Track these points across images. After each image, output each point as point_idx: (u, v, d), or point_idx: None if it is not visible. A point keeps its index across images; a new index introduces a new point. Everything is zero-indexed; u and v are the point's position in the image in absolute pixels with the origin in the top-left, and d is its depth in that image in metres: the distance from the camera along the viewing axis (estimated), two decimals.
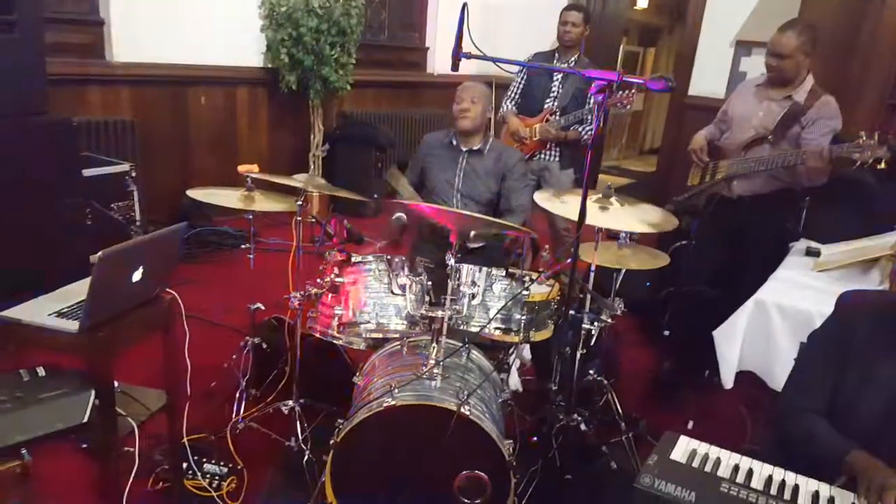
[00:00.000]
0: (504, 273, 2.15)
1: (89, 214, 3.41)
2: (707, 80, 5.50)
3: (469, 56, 1.94)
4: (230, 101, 5.09)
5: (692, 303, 3.05)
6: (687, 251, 3.13)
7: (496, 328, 2.15)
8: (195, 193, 2.47)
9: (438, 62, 6.73)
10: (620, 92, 3.46)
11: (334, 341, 2.27)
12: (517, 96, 3.98)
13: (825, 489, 1.39)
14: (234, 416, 2.50)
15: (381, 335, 2.22)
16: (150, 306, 1.98)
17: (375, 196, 5.21)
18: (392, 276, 2.15)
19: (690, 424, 2.72)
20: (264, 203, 2.49)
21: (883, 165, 2.54)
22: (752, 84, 3.10)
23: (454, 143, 2.93)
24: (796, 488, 1.38)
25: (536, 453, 2.20)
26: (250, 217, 2.57)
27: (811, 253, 2.80)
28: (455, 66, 1.96)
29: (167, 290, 2.05)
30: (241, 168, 2.67)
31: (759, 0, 5.18)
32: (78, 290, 2.02)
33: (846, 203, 3.00)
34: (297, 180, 2.43)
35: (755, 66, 5.25)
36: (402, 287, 2.14)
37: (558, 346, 2.31)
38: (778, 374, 2.26)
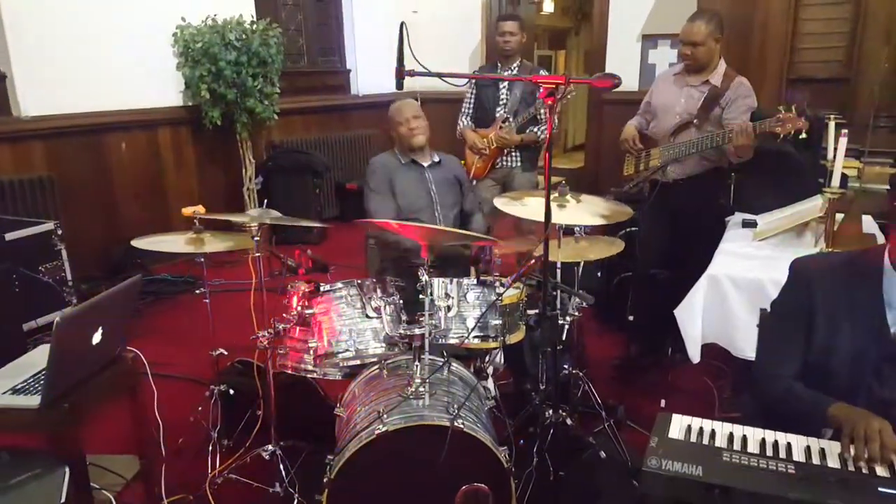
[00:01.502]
0: (475, 281, 2.16)
1: (16, 280, 3.21)
2: (621, 74, 5.72)
3: (413, 73, 1.95)
4: (153, 144, 4.91)
5: (646, 286, 3.16)
6: (634, 238, 3.25)
7: (475, 337, 2.16)
8: (140, 243, 2.36)
9: (362, 83, 6.72)
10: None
11: (308, 375, 2.22)
12: (471, 111, 4.07)
13: (815, 443, 1.47)
14: (210, 470, 2.39)
15: (359, 362, 2.19)
16: (113, 368, 1.89)
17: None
18: (365, 299, 2.13)
19: (663, 403, 2.81)
20: (215, 244, 2.42)
21: (804, 136, 2.73)
22: (670, 74, 3.27)
23: (413, 161, 2.95)
24: (789, 446, 1.45)
25: (528, 455, 2.22)
26: (202, 259, 2.48)
27: (748, 224, 2.96)
28: (399, 85, 1.97)
29: (128, 348, 1.96)
30: (186, 211, 2.58)
31: None
32: (31, 362, 1.90)
33: (772, 174, 3.19)
34: (251, 215, 2.37)
35: (662, 57, 5.53)
36: (377, 309, 2.12)
37: (537, 345, 2.34)
38: (739, 342, 2.38)
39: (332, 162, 6.02)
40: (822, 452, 1.44)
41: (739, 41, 4.69)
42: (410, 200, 2.92)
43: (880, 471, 1.36)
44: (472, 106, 4.07)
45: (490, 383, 2.72)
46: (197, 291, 2.51)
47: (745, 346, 2.33)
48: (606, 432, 2.51)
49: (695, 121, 3.03)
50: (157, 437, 2.04)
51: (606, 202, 2.40)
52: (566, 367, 2.59)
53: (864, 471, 1.37)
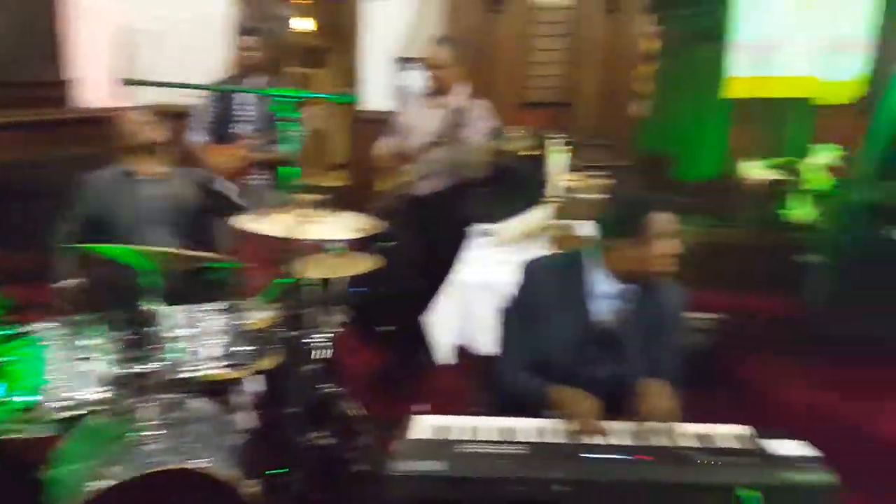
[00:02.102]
0: (217, 306, 2.03)
1: None
2: (376, 95, 5.92)
3: (143, 83, 1.79)
4: None
5: (402, 297, 3.26)
6: (391, 251, 3.34)
7: (221, 366, 2.02)
8: None
9: (89, 94, 5.97)
10: (308, 109, 3.54)
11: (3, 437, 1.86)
12: (207, 125, 3.79)
13: (542, 424, 1.63)
14: None
15: (77, 412, 1.89)
16: None
17: None
18: (77, 337, 1.85)
19: (422, 407, 2.91)
20: None
21: (533, 153, 3.07)
22: (418, 96, 3.47)
23: (130, 174, 2.67)
24: (521, 431, 1.59)
25: (289, 484, 2.13)
26: None
27: (489, 233, 3.23)
28: (122, 95, 1.80)
29: None
30: None
31: (409, 20, 5.72)
32: None
33: (509, 186, 3.52)
34: None
35: (416, 79, 5.83)
36: (95, 348, 1.86)
37: (293, 366, 2.27)
38: (482, 341, 2.55)
39: (55, 183, 5.24)
40: (550, 432, 1.60)
41: (482, 67, 5.11)
42: (119, 219, 2.65)
43: (596, 440, 1.56)
44: (209, 120, 3.79)
45: (244, 414, 2.58)
46: None
47: (489, 344, 2.51)
48: (369, 445, 2.52)
49: (441, 140, 3.23)
50: None
51: (361, 217, 2.43)
52: (325, 385, 2.56)
53: (583, 442, 1.55)
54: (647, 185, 3.38)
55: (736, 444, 1.58)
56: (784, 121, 3.09)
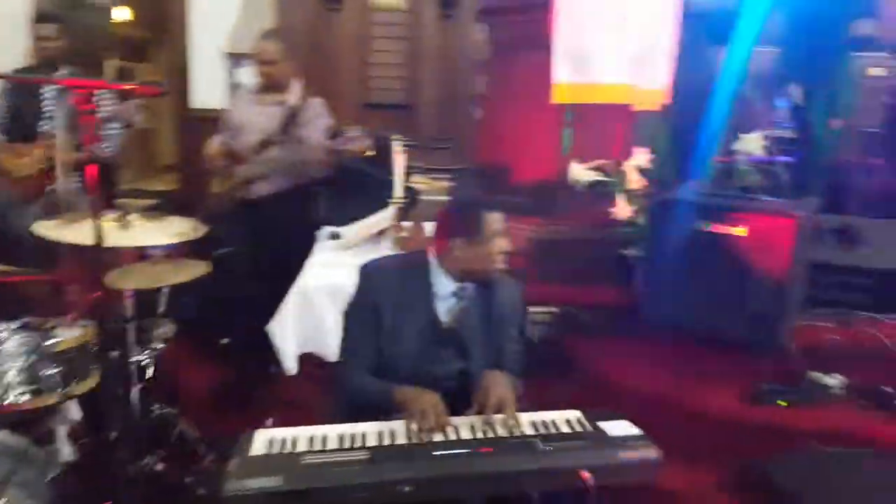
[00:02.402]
0: (15, 325, 1.77)
1: None
2: (207, 92, 5.55)
3: None
4: None
5: (241, 306, 3.09)
6: (230, 258, 3.15)
7: (21, 394, 1.77)
8: None
9: None
10: (123, 104, 3.20)
11: None
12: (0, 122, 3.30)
13: (386, 426, 1.60)
14: None
15: None
16: None
17: None
18: None
19: (270, 421, 2.77)
20: None
21: (372, 153, 3.04)
22: (248, 92, 3.30)
23: None
24: (365, 435, 1.56)
25: None
26: None
27: (334, 236, 3.15)
28: None
29: None
30: None
31: (238, 13, 5.45)
32: None
33: (351, 188, 3.46)
34: None
35: (249, 75, 5.55)
36: None
37: (110, 390, 2.04)
38: (331, 347, 2.48)
39: None
40: (392, 433, 1.58)
41: (318, 65, 4.98)
42: None
43: (437, 437, 1.56)
44: (2, 117, 3.34)
45: (64, 445, 2.30)
46: None
47: (337, 351, 2.45)
48: (210, 467, 2.34)
49: (274, 139, 3.09)
50: None
51: (181, 220, 2.25)
52: (155, 406, 2.34)
53: (426, 440, 1.54)
54: (486, 187, 3.49)
55: (569, 429, 1.66)
56: (607, 125, 3.34)
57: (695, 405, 2.58)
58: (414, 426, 1.57)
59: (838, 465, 2.25)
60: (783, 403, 2.52)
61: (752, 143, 3.18)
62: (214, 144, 3.22)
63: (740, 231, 2.67)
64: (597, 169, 3.16)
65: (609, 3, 3.18)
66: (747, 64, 3.96)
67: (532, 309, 2.91)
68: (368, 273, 1.89)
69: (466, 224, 1.78)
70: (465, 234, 1.77)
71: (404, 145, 3.57)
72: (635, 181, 3.15)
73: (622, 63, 3.21)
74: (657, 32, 3.31)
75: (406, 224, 3.10)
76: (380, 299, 1.82)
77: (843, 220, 3.19)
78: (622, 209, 3.11)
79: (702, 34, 3.76)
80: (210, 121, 4.82)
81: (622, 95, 3.25)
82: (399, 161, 3.39)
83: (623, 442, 1.59)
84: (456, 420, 1.64)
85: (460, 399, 1.73)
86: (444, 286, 1.83)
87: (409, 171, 3.56)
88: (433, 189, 4.43)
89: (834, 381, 2.63)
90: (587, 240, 3.19)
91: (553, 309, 2.93)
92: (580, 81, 3.09)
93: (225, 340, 3.06)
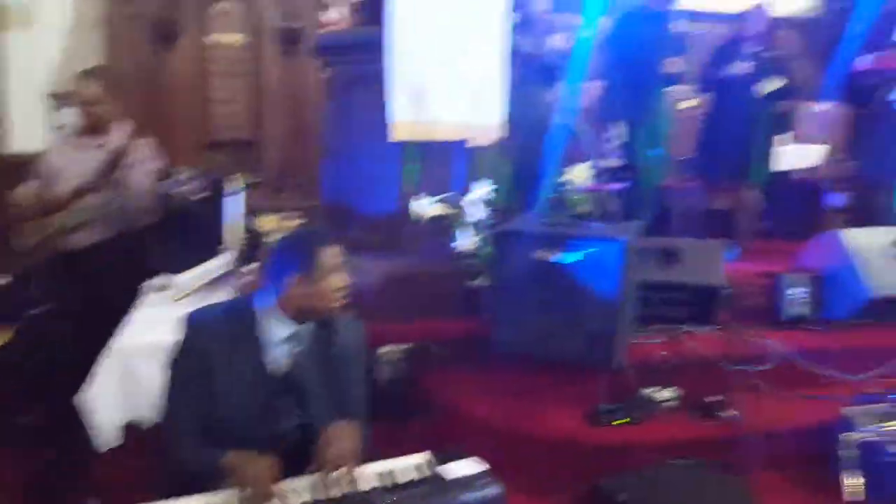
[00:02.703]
0: None
1: None
2: (24, 136, 5.03)
3: None
4: None
5: (56, 374, 2.74)
6: (43, 318, 2.82)
7: None
8: None
9: None
10: None
11: None
12: None
13: (211, 499, 1.47)
14: None
15: None
16: None
17: None
18: None
19: None
20: None
21: (206, 195, 2.87)
22: (67, 135, 3.04)
23: None
24: None
25: None
26: None
27: (167, 287, 2.92)
28: None
29: None
30: None
31: (62, 51, 5.02)
32: None
33: (187, 232, 3.24)
34: None
35: (73, 116, 5.10)
36: None
37: None
38: (155, 412, 2.26)
39: None
40: None
41: (154, 105, 4.70)
42: None
43: None
44: None
45: None
46: None
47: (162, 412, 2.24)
48: None
49: (92, 184, 2.83)
50: None
51: None
52: None
53: None
54: (333, 225, 3.42)
55: (415, 475, 1.62)
56: (446, 160, 3.41)
57: (543, 431, 2.64)
58: (243, 497, 1.45)
59: (670, 478, 2.40)
60: (618, 422, 2.64)
61: (579, 174, 3.39)
62: (25, 193, 2.92)
63: (575, 256, 2.80)
64: (439, 202, 3.20)
65: (443, 42, 3.27)
66: (577, 99, 4.26)
67: (382, 349, 2.86)
68: (192, 323, 1.72)
69: (300, 260, 1.68)
70: (298, 270, 1.67)
71: (248, 184, 3.42)
72: (477, 214, 3.23)
73: (458, 100, 3.30)
74: (490, 69, 3.45)
75: (249, 268, 2.94)
76: (206, 352, 1.67)
77: (664, 242, 3.47)
78: (465, 241, 3.17)
79: (530, 73, 4.00)
80: (26, 166, 4.38)
81: (459, 132, 3.34)
82: (238, 202, 3.24)
83: (467, 483, 1.58)
84: (292, 483, 1.54)
85: (305, 454, 1.62)
86: (277, 331, 1.70)
87: (254, 212, 3.41)
88: (281, 229, 4.28)
89: (666, 394, 2.81)
90: (434, 273, 3.21)
91: (404, 346, 2.90)
92: (418, 119, 3.13)
93: (28, 420, 2.68)
